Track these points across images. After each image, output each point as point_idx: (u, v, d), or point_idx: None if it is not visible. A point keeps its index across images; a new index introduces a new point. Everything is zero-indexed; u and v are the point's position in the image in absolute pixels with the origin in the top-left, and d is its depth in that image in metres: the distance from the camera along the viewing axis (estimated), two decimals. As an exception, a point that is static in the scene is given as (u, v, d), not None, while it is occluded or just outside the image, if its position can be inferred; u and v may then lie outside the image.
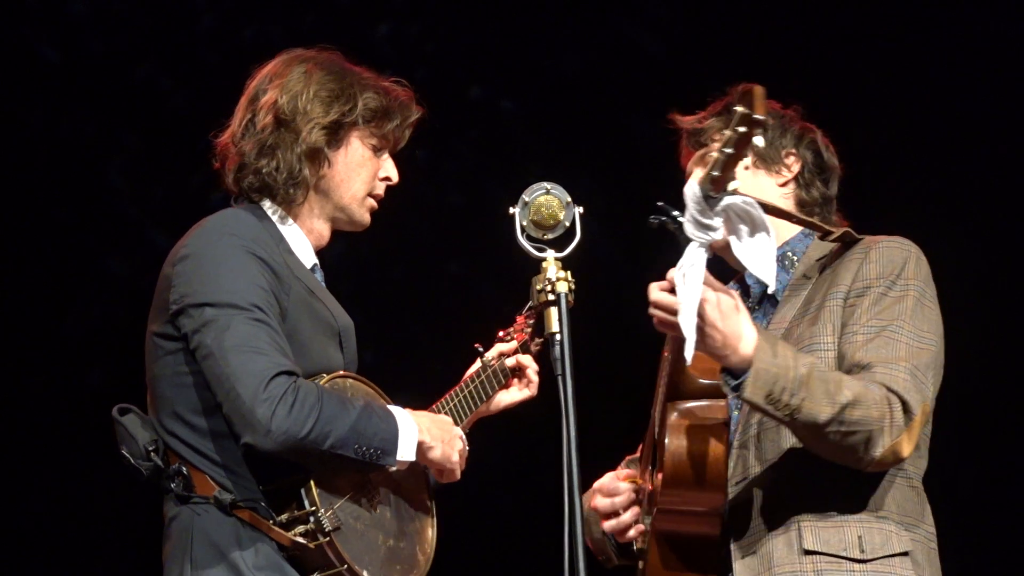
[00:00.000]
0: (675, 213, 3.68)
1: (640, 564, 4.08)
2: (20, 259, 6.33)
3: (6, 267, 6.32)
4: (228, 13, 6.41)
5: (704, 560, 3.93)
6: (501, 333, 4.50)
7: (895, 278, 3.94)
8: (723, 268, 3.91)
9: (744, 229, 3.64)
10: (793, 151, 4.15)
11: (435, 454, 3.95)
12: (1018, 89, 6.28)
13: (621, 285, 5.98)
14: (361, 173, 4.08)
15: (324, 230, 4.09)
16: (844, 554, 3.84)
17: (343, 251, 4.96)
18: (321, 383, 3.85)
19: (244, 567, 3.76)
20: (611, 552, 4.20)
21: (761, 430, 3.92)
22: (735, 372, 3.72)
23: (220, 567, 3.77)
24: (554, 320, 3.61)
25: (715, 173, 3.53)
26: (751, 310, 4.06)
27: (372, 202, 4.12)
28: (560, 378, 3.56)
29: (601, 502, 4.12)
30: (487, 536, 6.46)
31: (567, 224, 3.68)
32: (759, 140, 3.49)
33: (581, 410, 3.53)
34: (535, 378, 4.49)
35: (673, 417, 3.82)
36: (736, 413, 3.96)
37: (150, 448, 3.84)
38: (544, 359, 4.20)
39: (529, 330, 4.44)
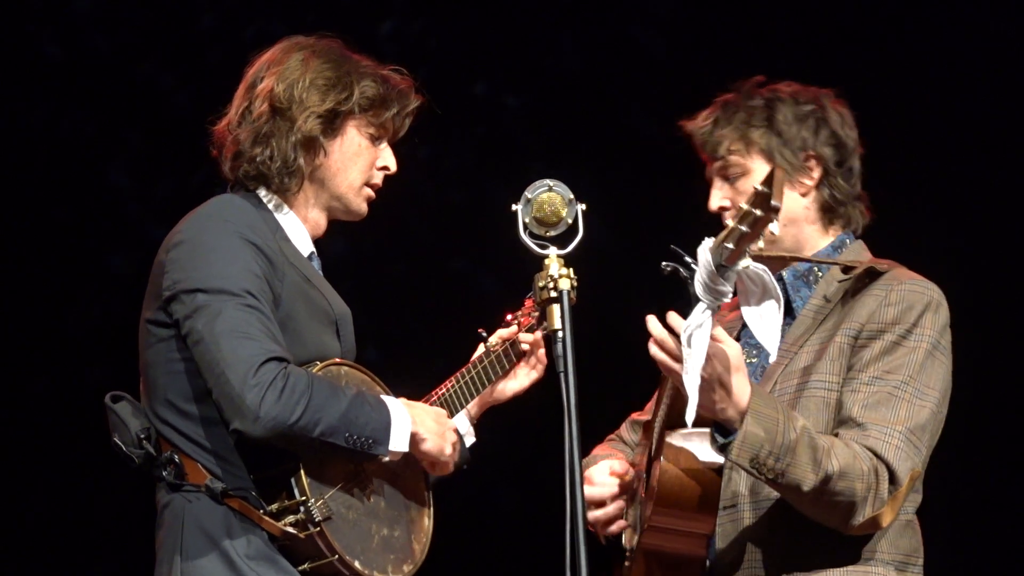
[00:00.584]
0: (688, 260, 3.67)
1: (627, 563, 4.08)
2: (22, 257, 6.34)
3: (8, 265, 6.32)
4: (230, 11, 6.40)
5: None
6: (509, 316, 4.48)
7: (911, 327, 3.91)
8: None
9: (754, 296, 3.66)
10: (812, 152, 4.08)
11: (428, 446, 3.93)
12: (1018, 89, 6.28)
13: (623, 282, 5.98)
14: (358, 162, 4.06)
15: (321, 219, 4.07)
16: None
17: (346, 248, 4.98)
18: (315, 370, 3.83)
19: (235, 556, 3.75)
20: (601, 537, 4.21)
21: None
22: (725, 428, 3.74)
23: (211, 556, 3.76)
24: (556, 317, 3.62)
25: (729, 246, 3.53)
26: (756, 342, 4.04)
27: (369, 192, 4.10)
28: (562, 375, 3.56)
29: (587, 490, 4.10)
30: (488, 532, 6.46)
31: (569, 221, 3.69)
32: (774, 228, 3.48)
33: (583, 407, 3.53)
34: (542, 359, 4.43)
35: (671, 443, 3.83)
36: None
37: (142, 436, 3.83)
38: (547, 354, 4.20)
39: (536, 314, 4.41)
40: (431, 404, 4.16)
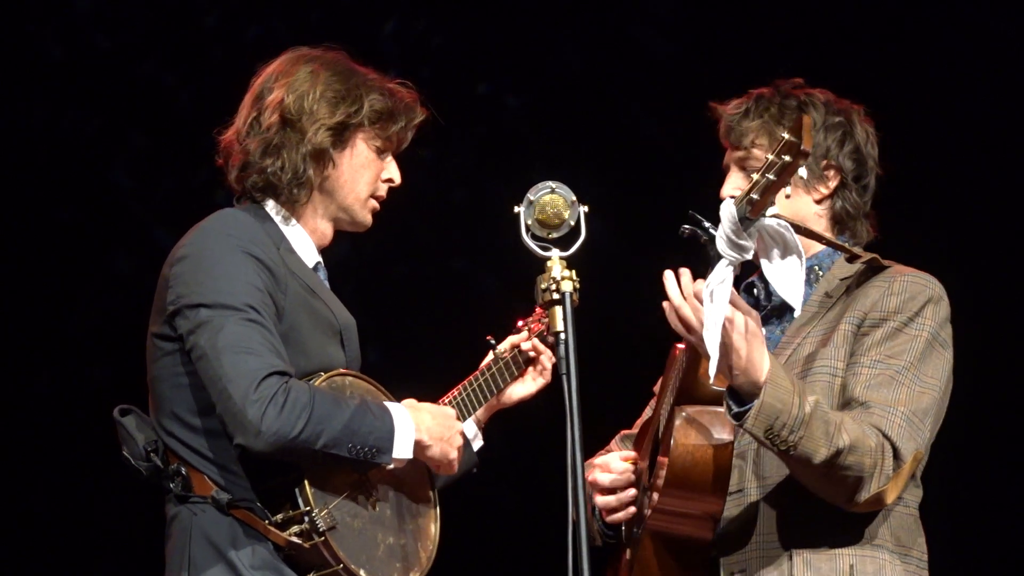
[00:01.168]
0: (707, 224, 3.69)
1: (628, 552, 4.09)
2: (24, 257, 6.33)
3: (10, 265, 6.32)
4: (232, 11, 6.40)
5: (694, 562, 3.94)
6: (520, 323, 4.48)
7: (913, 315, 3.94)
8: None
9: (776, 251, 3.67)
10: (833, 162, 4.10)
11: (432, 452, 3.93)
12: (1018, 89, 6.28)
13: (626, 284, 5.98)
14: (365, 175, 4.07)
15: (327, 230, 4.09)
16: None
17: (348, 250, 4.97)
18: (319, 381, 3.84)
19: (241, 567, 3.76)
20: (597, 532, 4.21)
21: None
22: (740, 396, 3.75)
23: (217, 567, 3.77)
24: (559, 319, 3.61)
25: (754, 196, 3.55)
26: (768, 316, 4.08)
27: (374, 203, 4.11)
28: (565, 377, 3.56)
29: (602, 476, 4.13)
30: (491, 535, 6.46)
31: (572, 223, 3.68)
32: (802, 171, 3.50)
33: (585, 409, 3.52)
34: (549, 365, 4.47)
35: (681, 420, 3.84)
36: None
37: (149, 449, 3.85)
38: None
39: (547, 320, 4.42)
40: None
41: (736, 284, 3.74)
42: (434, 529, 4.02)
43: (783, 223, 3.64)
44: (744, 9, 6.42)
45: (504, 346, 4.47)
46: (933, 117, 6.25)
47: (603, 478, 4.13)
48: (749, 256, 3.63)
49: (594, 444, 4.44)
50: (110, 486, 6.09)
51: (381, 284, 6.40)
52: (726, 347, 3.68)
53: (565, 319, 3.61)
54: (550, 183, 3.70)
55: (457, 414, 4.16)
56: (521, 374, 4.48)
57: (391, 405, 3.91)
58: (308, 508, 3.76)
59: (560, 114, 6.54)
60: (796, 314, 3.85)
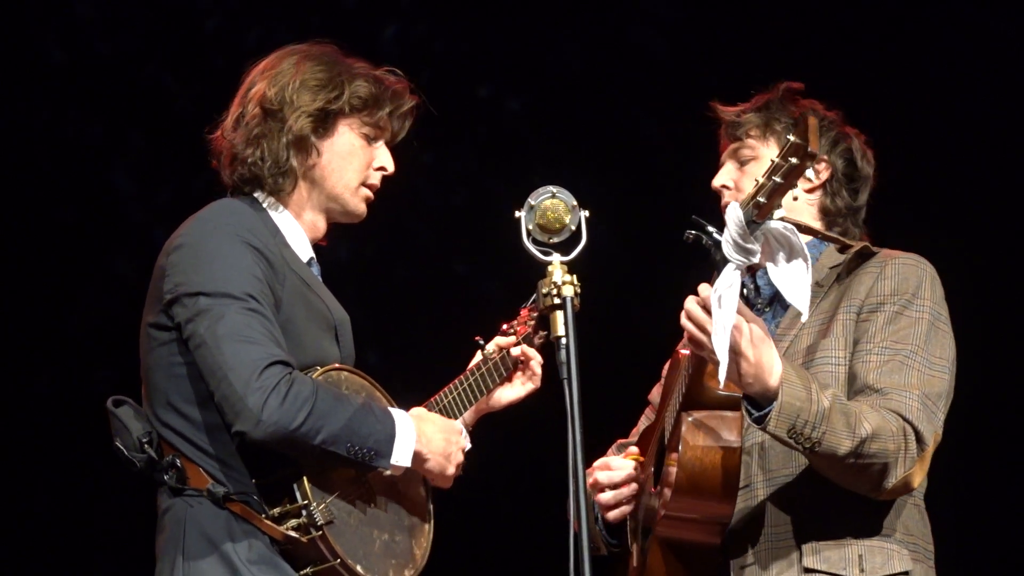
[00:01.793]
0: (711, 229, 3.69)
1: (635, 560, 4.09)
2: (25, 259, 6.34)
3: (11, 267, 6.32)
4: (233, 15, 6.41)
5: (704, 568, 3.94)
6: (504, 326, 4.46)
7: (910, 297, 3.95)
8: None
9: (782, 255, 3.65)
10: (824, 157, 4.12)
11: (430, 465, 3.92)
12: (1018, 89, 6.29)
13: (627, 289, 5.99)
14: (352, 162, 4.05)
15: (319, 221, 4.06)
16: (844, 573, 3.87)
17: (348, 251, 4.98)
18: (315, 375, 3.82)
19: (237, 560, 3.74)
20: (601, 541, 4.21)
21: (766, 438, 3.92)
22: (757, 402, 3.75)
23: (212, 559, 3.75)
24: (560, 324, 3.61)
25: (761, 199, 3.55)
26: (760, 311, 4.08)
27: (367, 192, 4.08)
28: (566, 382, 3.56)
29: (601, 475, 4.14)
30: (491, 540, 6.46)
31: (573, 228, 3.68)
32: (810, 173, 3.50)
33: (586, 414, 3.53)
34: (538, 370, 4.43)
35: (687, 426, 3.83)
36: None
37: (144, 440, 3.82)
38: (549, 360, 4.20)
39: (532, 323, 4.40)
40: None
41: None
42: (429, 528, 4.02)
43: (789, 226, 3.63)
44: (744, 9, 6.43)
45: (492, 347, 4.43)
46: (933, 117, 6.25)
47: (603, 476, 4.14)
48: (756, 260, 3.63)
49: (595, 448, 4.44)
50: (110, 486, 6.10)
51: (381, 286, 6.40)
52: (735, 354, 3.68)
53: (566, 324, 3.61)
54: (551, 188, 3.70)
55: (445, 417, 4.16)
56: (509, 378, 4.45)
57: (395, 411, 3.90)
58: (306, 502, 3.75)
59: (560, 116, 6.54)
60: (804, 319, 3.84)
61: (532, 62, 6.56)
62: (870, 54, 6.28)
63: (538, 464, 5.07)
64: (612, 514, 4.15)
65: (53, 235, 6.34)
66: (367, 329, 4.14)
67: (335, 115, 4.01)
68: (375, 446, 3.80)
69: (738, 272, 3.62)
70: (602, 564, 4.16)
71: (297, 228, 4.02)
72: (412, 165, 4.21)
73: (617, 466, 4.15)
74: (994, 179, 6.28)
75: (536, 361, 4.44)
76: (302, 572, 3.81)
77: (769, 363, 3.71)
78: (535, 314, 4.44)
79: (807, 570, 3.88)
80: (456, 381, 4.35)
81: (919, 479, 3.87)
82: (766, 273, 3.88)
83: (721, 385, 3.71)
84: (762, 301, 4.12)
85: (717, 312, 3.63)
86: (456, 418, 4.29)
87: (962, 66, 6.28)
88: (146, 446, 3.82)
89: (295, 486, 3.76)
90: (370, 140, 4.07)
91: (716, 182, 4.17)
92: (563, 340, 3.60)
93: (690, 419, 3.84)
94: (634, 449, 4.22)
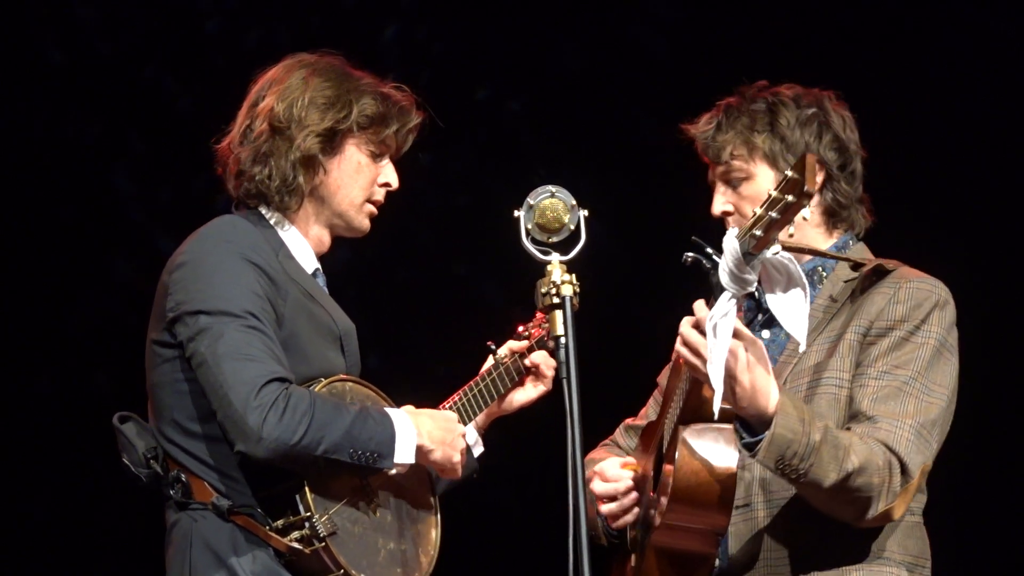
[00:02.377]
0: (709, 250, 3.68)
1: (633, 559, 4.09)
2: (25, 261, 6.34)
3: (11, 269, 6.32)
4: (233, 16, 6.41)
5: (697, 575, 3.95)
6: (520, 328, 4.47)
7: (919, 323, 3.93)
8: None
9: (780, 284, 3.65)
10: (815, 157, 4.05)
11: (436, 456, 3.93)
12: (1018, 89, 6.28)
13: (626, 288, 5.99)
14: (358, 179, 4.06)
15: (324, 236, 4.08)
16: None
17: (348, 254, 4.97)
18: (319, 387, 3.85)
19: (242, 572, 3.77)
20: (602, 532, 4.21)
21: None
22: (750, 426, 3.75)
23: (218, 573, 3.78)
24: (559, 324, 3.62)
25: (758, 233, 3.54)
26: (771, 320, 4.04)
27: (371, 208, 4.10)
28: (565, 381, 3.56)
29: (600, 486, 4.12)
30: (492, 540, 6.46)
31: (572, 227, 3.68)
32: (789, 172, 3.49)
33: (585, 412, 3.53)
34: (550, 374, 4.43)
35: (685, 437, 3.83)
36: None
37: (149, 456, 3.86)
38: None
39: (547, 326, 4.41)
40: None
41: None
42: (435, 534, 4.03)
43: (787, 255, 3.62)
44: (744, 9, 6.42)
45: (504, 351, 4.45)
46: (933, 117, 6.25)
47: (599, 487, 4.12)
48: (752, 289, 3.63)
49: (594, 447, 4.44)
50: (110, 490, 6.09)
51: (382, 289, 6.40)
52: (731, 379, 3.67)
53: (565, 323, 3.62)
54: (550, 187, 3.71)
55: (458, 419, 4.17)
56: (521, 381, 4.45)
57: (391, 411, 3.91)
58: (309, 514, 3.77)
59: (560, 117, 6.54)
60: (802, 349, 3.81)
61: (532, 62, 6.56)
62: (870, 54, 6.28)
63: (538, 463, 5.06)
64: (617, 523, 4.14)
65: (53, 235, 6.34)
66: (367, 332, 4.14)
67: (343, 134, 4.03)
68: (377, 448, 3.81)
69: (734, 301, 3.61)
70: (599, 557, 4.16)
71: (303, 243, 4.04)
72: (412, 166, 4.21)
73: (614, 476, 4.14)
74: (994, 179, 6.28)
75: (548, 365, 4.43)
76: (306, 583, 3.83)
77: (764, 388, 3.71)
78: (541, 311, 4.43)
79: None
80: (468, 386, 4.38)
81: (900, 511, 3.87)
82: None
83: (715, 416, 3.71)
84: (763, 317, 4.09)
85: (712, 341, 3.63)
86: (468, 422, 4.32)
87: (962, 66, 6.28)
88: (151, 461, 3.86)
89: (297, 498, 3.79)
90: (375, 157, 4.09)
91: (716, 210, 4.13)
92: (562, 339, 3.60)
93: (687, 432, 3.84)
94: (631, 460, 4.21)
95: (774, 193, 3.51)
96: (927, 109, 6.24)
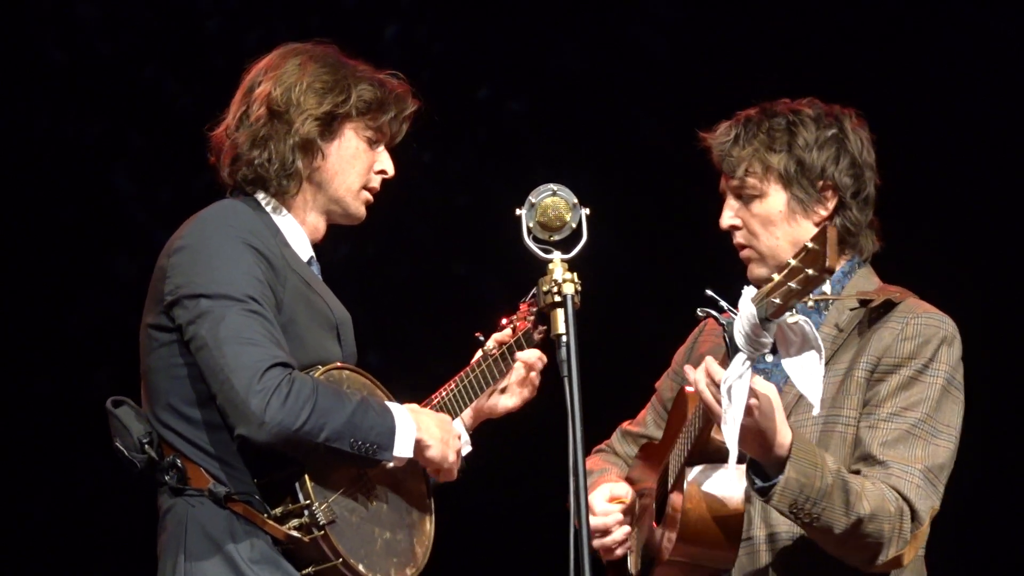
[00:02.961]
0: (723, 304, 3.66)
1: (633, 571, 4.10)
2: (26, 260, 6.34)
3: (12, 268, 6.32)
4: (233, 16, 6.41)
5: None
6: (504, 321, 4.46)
7: (928, 360, 3.92)
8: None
9: (795, 346, 3.61)
10: (830, 181, 4.03)
11: (432, 453, 3.93)
12: (1018, 89, 6.28)
13: (628, 287, 5.99)
14: (355, 165, 4.06)
15: (319, 223, 4.08)
16: None
17: (348, 251, 4.98)
18: (317, 374, 3.84)
19: (239, 560, 3.76)
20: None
21: None
22: (763, 470, 3.74)
23: (214, 559, 3.77)
24: (560, 322, 3.61)
25: (776, 301, 3.51)
26: (775, 350, 4.02)
27: (367, 195, 4.10)
28: (566, 380, 3.55)
29: (591, 520, 4.06)
30: (492, 539, 6.46)
31: (573, 226, 3.68)
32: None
33: (586, 411, 3.52)
34: (536, 380, 4.37)
35: (693, 475, 3.84)
36: None
37: (144, 440, 3.83)
38: (550, 360, 4.20)
39: (532, 318, 4.40)
40: (431, 409, 4.15)
41: None
42: (429, 526, 4.03)
43: (803, 318, 3.58)
44: (744, 9, 6.42)
45: (491, 343, 4.41)
46: (933, 118, 6.25)
47: (593, 522, 4.09)
48: (767, 351, 3.61)
49: (595, 445, 4.44)
50: (110, 490, 6.10)
51: (382, 287, 6.40)
52: (746, 432, 3.66)
53: (567, 322, 3.61)
54: (551, 185, 3.70)
55: (447, 413, 4.16)
56: (509, 372, 4.39)
57: (392, 405, 3.91)
58: (308, 502, 3.76)
59: (560, 116, 6.54)
60: (815, 412, 3.75)
61: (532, 62, 6.56)
62: (870, 54, 6.28)
63: (538, 462, 5.06)
64: (609, 558, 4.14)
65: (53, 235, 6.34)
66: (368, 329, 4.14)
67: (341, 119, 4.03)
68: (377, 439, 3.81)
69: (748, 364, 3.59)
70: (598, 561, 4.17)
71: (298, 229, 4.03)
72: (412, 165, 4.21)
73: (602, 511, 4.13)
74: (994, 179, 6.28)
75: (535, 368, 4.37)
76: (304, 572, 3.82)
77: (779, 437, 3.70)
78: (534, 309, 4.40)
79: None
80: (456, 378, 4.35)
81: (910, 556, 3.87)
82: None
83: (731, 470, 3.71)
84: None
85: (726, 404, 3.61)
86: (457, 415, 4.29)
87: (962, 66, 6.28)
88: (146, 447, 3.83)
89: (297, 485, 3.78)
90: (372, 143, 4.09)
91: (724, 222, 4.11)
92: (563, 338, 3.60)
93: (697, 471, 3.85)
94: (620, 489, 4.18)
95: (793, 262, 3.47)
96: (927, 109, 6.24)
